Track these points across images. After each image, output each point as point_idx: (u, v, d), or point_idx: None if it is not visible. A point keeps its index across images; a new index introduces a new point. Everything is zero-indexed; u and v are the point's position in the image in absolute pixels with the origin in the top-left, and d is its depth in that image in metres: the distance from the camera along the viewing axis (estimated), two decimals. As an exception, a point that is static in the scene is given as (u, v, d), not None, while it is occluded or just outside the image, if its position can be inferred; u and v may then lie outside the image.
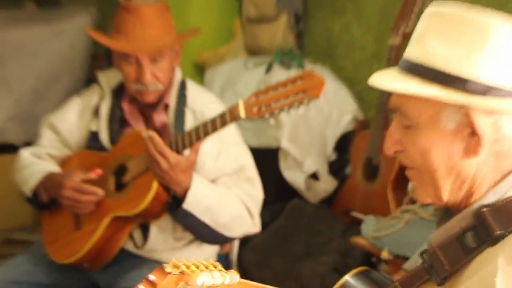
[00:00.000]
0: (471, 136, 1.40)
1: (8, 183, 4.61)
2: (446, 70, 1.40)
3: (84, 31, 4.84)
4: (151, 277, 1.35)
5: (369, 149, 3.28)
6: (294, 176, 3.46)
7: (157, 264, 2.57)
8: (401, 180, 3.20)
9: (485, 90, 1.38)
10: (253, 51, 4.06)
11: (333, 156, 3.58)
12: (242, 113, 2.37)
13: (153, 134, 2.41)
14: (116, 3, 5.00)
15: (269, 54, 3.91)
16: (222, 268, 1.40)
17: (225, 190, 2.63)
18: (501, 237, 1.40)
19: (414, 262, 1.83)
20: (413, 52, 1.47)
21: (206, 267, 1.40)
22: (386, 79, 1.49)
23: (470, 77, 1.38)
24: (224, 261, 2.98)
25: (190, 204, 2.49)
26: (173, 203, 2.53)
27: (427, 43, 1.44)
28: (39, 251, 2.84)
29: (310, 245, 3.14)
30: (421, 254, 1.54)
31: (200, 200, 2.50)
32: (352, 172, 3.43)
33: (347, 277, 1.73)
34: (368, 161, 3.29)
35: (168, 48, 2.63)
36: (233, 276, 1.42)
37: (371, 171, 3.29)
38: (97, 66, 4.96)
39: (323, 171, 3.51)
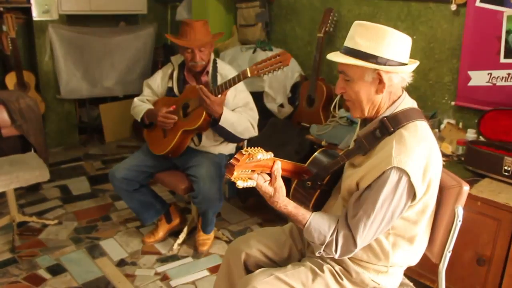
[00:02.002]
0: (379, 84, 1.48)
1: (119, 115, 4.65)
2: (367, 52, 1.46)
3: (151, 35, 4.79)
4: (236, 156, 1.43)
5: (310, 90, 3.28)
6: (271, 106, 3.50)
7: (206, 154, 2.59)
8: (326, 106, 3.22)
9: (385, 62, 1.46)
10: (244, 42, 4.01)
11: (289, 95, 3.56)
12: (249, 74, 2.41)
13: (202, 86, 2.46)
14: (166, 23, 4.90)
15: (253, 44, 3.83)
16: (264, 151, 1.46)
17: (239, 115, 2.65)
18: (393, 131, 1.47)
19: (344, 144, 1.83)
20: (348, 43, 1.51)
21: (259, 150, 1.44)
22: (337, 57, 1.50)
23: (378, 55, 1.45)
24: (239, 149, 2.92)
25: (222, 122, 2.54)
26: (213, 122, 2.54)
27: (356, 38, 1.50)
28: (147, 149, 2.88)
29: (282, 141, 3.18)
30: (354, 140, 1.62)
31: (227, 120, 2.55)
32: (300, 103, 3.42)
33: (316, 154, 1.76)
34: (309, 96, 3.31)
35: (207, 43, 2.63)
36: (271, 154, 1.48)
37: (310, 101, 3.31)
38: (157, 54, 4.88)
39: (285, 102, 3.53)
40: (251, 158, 1.44)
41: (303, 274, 1.62)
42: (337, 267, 1.63)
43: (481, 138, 2.48)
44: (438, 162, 1.50)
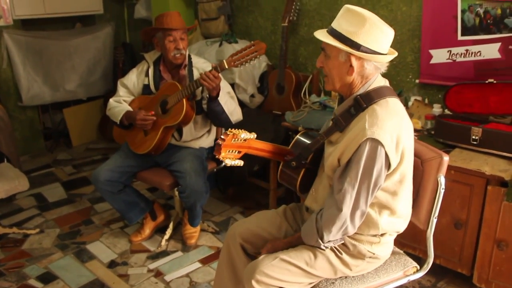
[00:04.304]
0: (350, 67, 1.59)
1: (84, 118, 4.63)
2: (344, 35, 1.57)
3: (109, 35, 4.74)
4: (222, 136, 1.59)
5: (278, 78, 3.37)
6: (243, 96, 3.56)
7: (187, 148, 2.64)
8: (295, 93, 3.32)
9: (359, 47, 1.55)
10: (207, 36, 4.04)
11: (258, 85, 3.62)
12: (226, 65, 2.48)
13: (213, 72, 2.46)
14: (124, 22, 4.86)
15: (216, 37, 3.89)
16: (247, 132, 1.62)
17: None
18: (366, 107, 1.60)
19: (325, 127, 1.94)
20: (333, 24, 1.61)
21: (242, 131, 1.61)
22: (319, 34, 1.62)
23: (354, 39, 1.55)
24: (218, 143, 3.01)
25: (220, 99, 2.59)
26: (211, 99, 2.59)
27: (339, 21, 1.60)
28: (127, 149, 2.89)
29: (257, 129, 3.15)
30: (332, 119, 1.73)
31: (222, 98, 2.61)
32: (270, 91, 3.50)
33: (298, 136, 1.90)
34: (278, 84, 3.39)
35: (185, 30, 2.70)
36: (254, 134, 1.66)
37: (280, 89, 3.39)
38: (117, 53, 4.83)
39: (255, 92, 3.60)
40: (235, 139, 1.59)
41: (305, 254, 1.72)
42: (335, 243, 1.75)
43: (447, 112, 2.66)
44: (409, 134, 1.64)
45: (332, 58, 1.61)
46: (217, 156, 1.61)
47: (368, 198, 1.58)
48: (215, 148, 1.60)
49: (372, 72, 1.61)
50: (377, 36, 1.54)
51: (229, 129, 1.58)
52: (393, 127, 1.55)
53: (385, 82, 1.66)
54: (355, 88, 1.64)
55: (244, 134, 1.60)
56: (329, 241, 1.64)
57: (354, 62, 1.57)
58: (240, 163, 1.66)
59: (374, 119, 1.54)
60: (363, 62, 1.58)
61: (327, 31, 1.62)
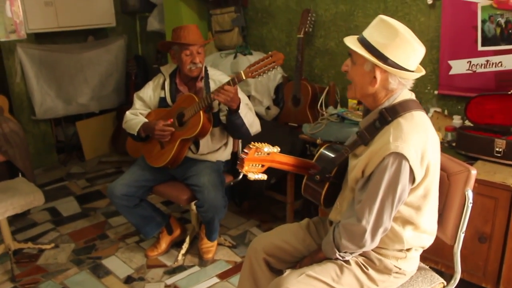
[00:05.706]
0: (373, 78, 1.58)
1: (97, 131, 4.66)
2: (373, 45, 1.56)
3: (121, 47, 4.77)
4: (245, 150, 1.60)
5: (294, 90, 3.37)
6: (259, 109, 3.56)
7: (204, 162, 2.64)
8: (312, 105, 3.32)
9: (386, 59, 1.54)
10: (220, 48, 4.07)
11: (274, 97, 3.62)
12: (243, 77, 2.47)
13: (226, 86, 2.46)
14: (136, 34, 4.90)
15: (230, 49, 3.91)
16: (270, 145, 1.63)
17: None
18: (391, 121, 1.59)
19: (350, 140, 1.93)
20: (365, 33, 1.60)
21: (266, 145, 1.61)
22: (349, 41, 1.61)
23: (382, 52, 1.54)
24: (234, 155, 3.00)
25: (240, 111, 2.58)
26: (231, 112, 2.58)
27: (371, 30, 1.59)
28: (143, 162, 2.89)
29: (273, 142, 3.17)
30: (357, 133, 1.70)
31: (242, 110, 2.59)
32: (285, 103, 3.49)
33: (322, 150, 1.89)
34: (294, 96, 3.38)
35: (203, 44, 2.72)
36: (277, 148, 1.66)
37: (296, 101, 3.39)
38: (129, 66, 4.87)
39: (271, 104, 3.59)
40: (259, 152, 1.59)
41: (331, 269, 1.71)
42: (361, 258, 1.73)
43: (468, 123, 2.65)
44: (435, 148, 1.62)
45: (358, 66, 1.60)
46: (240, 170, 1.61)
47: (392, 214, 1.57)
48: (238, 162, 1.60)
49: (397, 87, 1.59)
50: (407, 51, 1.52)
51: (252, 142, 1.59)
52: (418, 141, 1.53)
53: (411, 96, 1.64)
54: (379, 101, 1.62)
55: (267, 148, 1.60)
56: (345, 252, 1.65)
57: (378, 74, 1.56)
58: (264, 177, 1.65)
59: (398, 133, 1.52)
60: (388, 76, 1.56)
61: (357, 38, 1.61)
